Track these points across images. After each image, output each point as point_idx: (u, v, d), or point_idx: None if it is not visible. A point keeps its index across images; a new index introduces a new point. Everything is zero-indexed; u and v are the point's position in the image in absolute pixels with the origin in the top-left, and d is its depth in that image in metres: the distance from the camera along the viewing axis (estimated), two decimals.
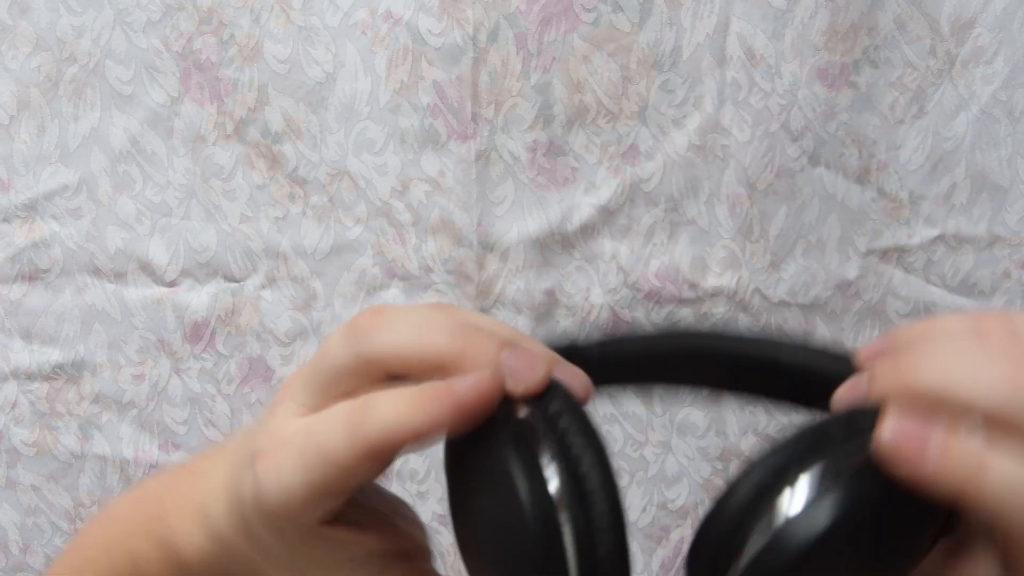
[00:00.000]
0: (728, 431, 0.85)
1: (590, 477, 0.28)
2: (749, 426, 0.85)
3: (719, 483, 0.85)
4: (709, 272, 0.82)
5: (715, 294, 0.83)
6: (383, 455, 0.31)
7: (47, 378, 0.86)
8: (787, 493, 0.27)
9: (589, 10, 0.79)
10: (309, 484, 0.31)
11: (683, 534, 0.86)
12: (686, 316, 0.83)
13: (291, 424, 0.33)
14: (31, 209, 0.84)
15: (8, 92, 0.83)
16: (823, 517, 0.27)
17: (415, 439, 0.31)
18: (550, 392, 0.31)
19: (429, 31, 0.79)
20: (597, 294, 0.83)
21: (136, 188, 0.83)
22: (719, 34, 0.79)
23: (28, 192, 0.84)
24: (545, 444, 0.29)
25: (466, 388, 0.31)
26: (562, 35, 0.79)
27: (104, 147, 0.83)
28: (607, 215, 0.82)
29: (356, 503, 0.34)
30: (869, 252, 0.84)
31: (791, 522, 0.27)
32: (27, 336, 0.86)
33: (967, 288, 0.85)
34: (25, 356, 0.86)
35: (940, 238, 0.84)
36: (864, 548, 0.27)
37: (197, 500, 0.37)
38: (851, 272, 0.84)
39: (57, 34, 0.82)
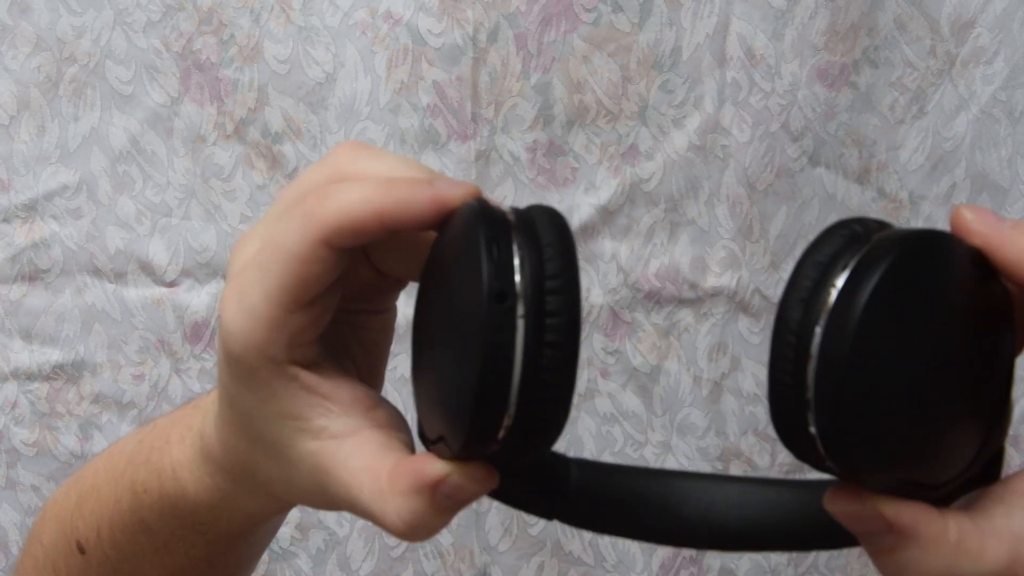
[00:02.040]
0: (728, 431, 0.85)
1: (556, 277, 0.28)
2: (749, 426, 0.85)
3: None
4: (709, 272, 0.83)
5: (715, 294, 0.83)
6: (343, 241, 0.29)
7: (47, 378, 0.86)
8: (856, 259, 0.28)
9: (589, 10, 0.79)
10: (268, 294, 0.29)
11: None
12: (686, 316, 0.83)
13: (252, 253, 0.31)
14: (31, 209, 0.84)
15: (8, 92, 0.83)
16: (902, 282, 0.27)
17: (380, 225, 0.29)
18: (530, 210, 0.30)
19: (429, 31, 0.79)
20: (597, 294, 0.83)
21: (136, 188, 0.84)
22: (719, 34, 0.79)
23: (28, 192, 0.84)
24: (517, 237, 0.28)
25: (449, 185, 0.29)
26: (562, 35, 0.79)
27: (104, 147, 0.83)
28: (607, 215, 0.82)
29: (332, 360, 0.32)
30: None
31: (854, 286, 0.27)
32: (27, 336, 0.86)
33: None
34: (25, 356, 0.86)
35: None
36: (940, 319, 0.28)
37: (197, 427, 0.36)
38: None
39: (57, 34, 0.82)
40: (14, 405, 0.87)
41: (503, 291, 0.27)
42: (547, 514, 0.35)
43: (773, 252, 0.82)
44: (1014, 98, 0.82)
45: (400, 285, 0.35)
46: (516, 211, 0.30)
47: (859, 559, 0.87)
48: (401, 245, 0.33)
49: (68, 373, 0.86)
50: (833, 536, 0.32)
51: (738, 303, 0.83)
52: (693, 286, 0.83)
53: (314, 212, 0.29)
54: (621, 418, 0.85)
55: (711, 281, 0.83)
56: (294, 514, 0.84)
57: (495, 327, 0.27)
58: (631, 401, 0.85)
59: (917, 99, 0.81)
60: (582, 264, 0.83)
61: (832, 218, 0.83)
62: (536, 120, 0.80)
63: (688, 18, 0.79)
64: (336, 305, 0.32)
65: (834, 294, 0.27)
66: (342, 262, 0.30)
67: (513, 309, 0.27)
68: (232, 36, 0.81)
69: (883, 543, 0.28)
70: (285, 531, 0.85)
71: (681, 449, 0.85)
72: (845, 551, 0.86)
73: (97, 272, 0.85)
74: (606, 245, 0.83)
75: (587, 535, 0.85)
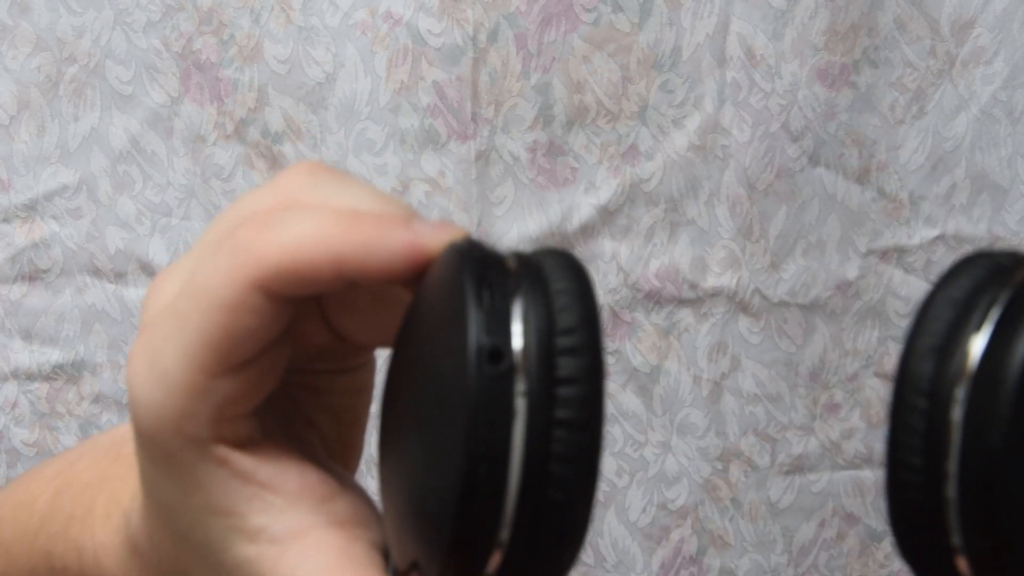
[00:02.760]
0: (728, 431, 0.85)
1: (572, 333, 0.21)
2: (749, 426, 0.85)
3: (719, 483, 0.86)
4: (709, 272, 0.83)
5: (715, 294, 0.83)
6: (285, 288, 0.22)
7: (47, 378, 0.86)
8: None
9: (589, 10, 0.79)
10: (185, 354, 0.23)
11: (683, 534, 0.86)
12: (686, 316, 0.83)
13: (169, 298, 0.24)
14: (31, 209, 0.84)
15: (8, 92, 0.83)
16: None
17: (336, 272, 0.22)
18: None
19: (429, 31, 0.79)
20: (597, 294, 0.83)
21: (136, 188, 0.84)
22: (719, 34, 0.79)
23: (28, 192, 0.84)
24: (517, 281, 0.21)
25: (430, 228, 0.23)
26: (562, 35, 0.79)
27: (104, 147, 0.83)
28: (607, 215, 0.82)
29: (280, 436, 0.26)
30: (869, 252, 0.84)
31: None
32: (27, 336, 0.86)
33: None
34: (25, 356, 0.86)
35: (940, 238, 0.84)
36: None
37: (125, 504, 0.29)
38: (851, 272, 0.84)
39: (57, 34, 0.82)
40: (14, 405, 0.87)
41: (496, 348, 0.20)
42: None
43: (773, 252, 0.82)
44: (1014, 98, 0.82)
45: (372, 349, 0.28)
46: (518, 255, 0.23)
47: (859, 559, 0.87)
48: (366, 303, 0.26)
49: (68, 373, 0.86)
50: None
51: (738, 303, 0.83)
52: (693, 286, 0.83)
53: (249, 247, 0.22)
54: (621, 418, 0.85)
55: (711, 281, 0.83)
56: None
57: (485, 400, 0.20)
58: (631, 401, 0.85)
59: (917, 99, 0.81)
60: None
61: (832, 218, 0.83)
62: (536, 120, 0.80)
63: (688, 18, 0.79)
64: (283, 366, 0.25)
65: (978, 348, 0.20)
66: (284, 315, 0.23)
67: (511, 375, 0.20)
68: (232, 36, 0.81)
69: None
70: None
71: (681, 449, 0.85)
72: (846, 551, 0.86)
73: (97, 272, 0.85)
74: (606, 245, 0.83)
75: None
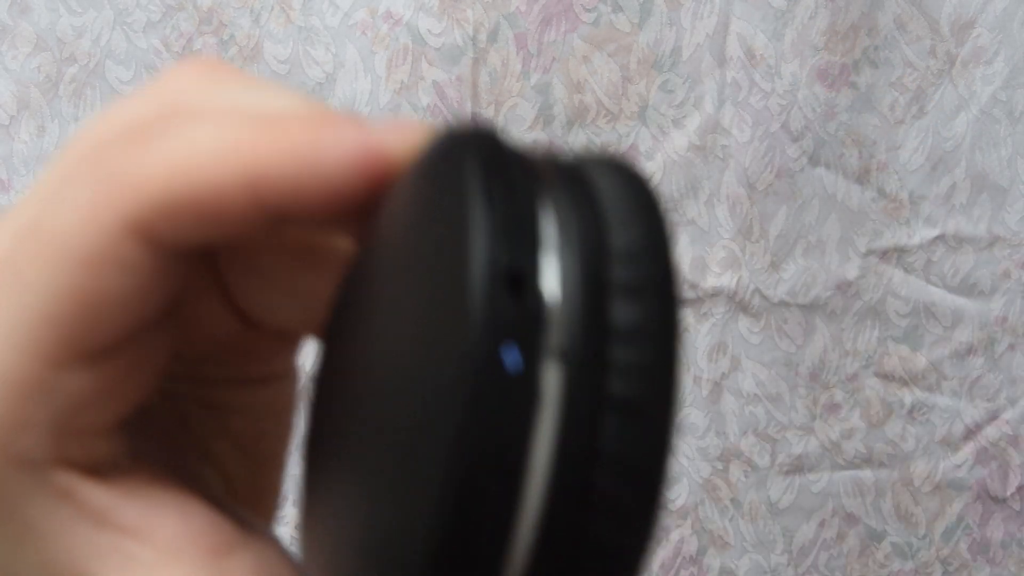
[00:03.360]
0: (728, 431, 0.85)
1: (637, 266, 0.13)
2: (749, 426, 0.85)
3: (719, 483, 0.86)
4: (709, 272, 0.83)
5: (715, 294, 0.83)
6: (176, 231, 0.15)
7: None
8: None
9: (589, 10, 0.79)
10: (20, 329, 0.15)
11: (683, 534, 0.86)
12: (686, 316, 0.83)
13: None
14: None
15: (8, 92, 0.83)
16: None
17: (252, 202, 0.15)
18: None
19: (429, 31, 0.79)
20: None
21: None
22: (719, 34, 0.79)
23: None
24: (550, 188, 0.13)
25: (391, 129, 0.15)
26: (562, 35, 0.79)
27: None
28: None
29: (156, 464, 0.17)
30: (869, 252, 0.84)
31: None
32: None
33: (967, 288, 0.85)
34: None
35: (940, 238, 0.84)
36: None
37: None
38: (851, 272, 0.84)
39: (57, 34, 0.82)
40: None
41: (516, 270, 0.12)
42: None
43: (773, 252, 0.82)
44: (1014, 98, 0.82)
45: (293, 342, 0.20)
46: (549, 153, 0.15)
47: (859, 559, 0.87)
48: (285, 264, 0.18)
49: None
50: None
51: (738, 303, 0.83)
52: (693, 286, 0.83)
53: (120, 172, 0.15)
54: None
55: (711, 281, 0.83)
56: (294, 513, 0.84)
57: (496, 352, 0.11)
58: None
59: (917, 99, 0.81)
60: None
61: (832, 218, 0.83)
62: (536, 120, 0.80)
63: (688, 18, 0.79)
64: (164, 361, 0.17)
65: None
66: (169, 276, 0.16)
67: (536, 319, 0.12)
68: (232, 36, 0.81)
69: None
70: (284, 531, 0.85)
71: (681, 449, 0.85)
72: (845, 551, 0.86)
73: None
74: None
75: None
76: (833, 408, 0.85)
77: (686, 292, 0.83)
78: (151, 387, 0.17)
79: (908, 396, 0.86)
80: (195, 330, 0.18)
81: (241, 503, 0.20)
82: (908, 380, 0.85)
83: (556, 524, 0.12)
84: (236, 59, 0.81)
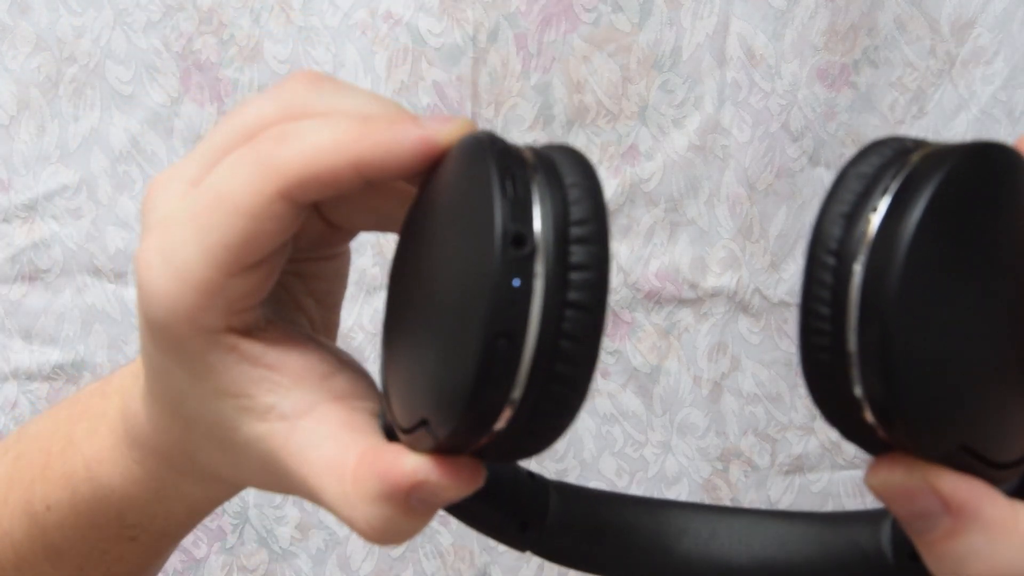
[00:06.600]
0: (728, 431, 0.85)
1: (584, 224, 0.23)
2: (749, 426, 0.85)
3: (719, 483, 0.86)
4: (709, 272, 0.83)
5: (715, 294, 0.83)
6: (309, 195, 0.24)
7: (47, 378, 0.86)
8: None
9: (589, 10, 0.79)
10: (206, 254, 0.24)
11: None
12: (686, 316, 0.83)
13: (178, 201, 0.26)
14: (31, 209, 0.84)
15: (8, 92, 0.83)
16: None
17: (356, 174, 0.24)
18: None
19: (429, 31, 0.79)
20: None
21: (136, 188, 0.84)
22: (719, 34, 0.79)
23: (28, 192, 0.84)
24: (535, 175, 0.23)
25: (438, 122, 0.25)
26: (562, 35, 0.79)
27: (104, 147, 0.83)
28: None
29: (280, 321, 0.27)
30: None
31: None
32: (27, 336, 0.86)
33: None
34: (25, 356, 0.86)
35: None
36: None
37: (114, 411, 0.31)
38: None
39: (57, 34, 0.82)
40: (14, 405, 0.87)
41: (520, 234, 0.22)
42: (519, 544, 0.30)
43: (773, 252, 0.83)
44: (1014, 98, 0.82)
45: (353, 233, 0.30)
46: (532, 148, 0.25)
47: None
48: (363, 194, 0.27)
49: (68, 373, 0.86)
50: None
51: (738, 303, 0.83)
52: (693, 286, 0.83)
53: (272, 159, 0.24)
54: (621, 418, 0.85)
55: (711, 281, 0.83)
56: (294, 513, 0.84)
57: (509, 279, 0.22)
58: (631, 401, 0.85)
59: (917, 99, 0.81)
60: None
61: None
62: (536, 120, 0.80)
63: (688, 18, 0.79)
64: (284, 262, 0.27)
65: (877, 218, 0.22)
66: (300, 218, 0.25)
67: (531, 258, 0.22)
68: (232, 36, 0.81)
69: (937, 528, 0.22)
70: (285, 531, 0.85)
71: (681, 449, 0.85)
72: None
73: (97, 272, 0.85)
74: None
75: None
76: None
77: (686, 292, 0.83)
78: (277, 276, 0.26)
79: None
80: (301, 234, 0.27)
81: (318, 335, 0.29)
82: None
83: (539, 362, 0.22)
84: (236, 59, 0.81)
